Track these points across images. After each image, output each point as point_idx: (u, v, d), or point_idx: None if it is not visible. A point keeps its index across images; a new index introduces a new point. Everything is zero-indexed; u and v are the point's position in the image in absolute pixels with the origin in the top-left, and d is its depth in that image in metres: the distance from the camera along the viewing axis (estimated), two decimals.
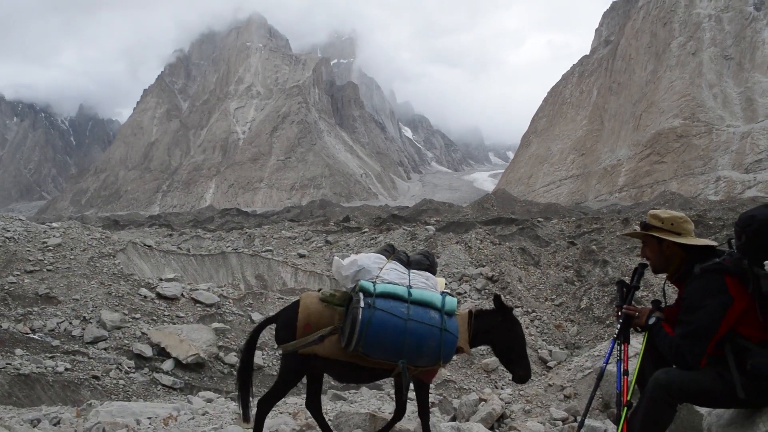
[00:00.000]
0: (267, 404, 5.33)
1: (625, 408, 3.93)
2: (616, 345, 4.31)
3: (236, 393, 5.74)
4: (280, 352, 5.33)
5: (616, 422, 3.95)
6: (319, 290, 5.29)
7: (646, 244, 4.38)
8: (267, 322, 5.60)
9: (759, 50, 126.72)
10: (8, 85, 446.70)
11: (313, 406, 5.61)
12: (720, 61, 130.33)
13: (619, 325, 4.33)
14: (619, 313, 4.35)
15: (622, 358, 4.20)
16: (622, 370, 4.13)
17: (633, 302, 4.44)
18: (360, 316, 4.67)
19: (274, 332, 5.40)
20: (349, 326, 4.76)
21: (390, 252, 5.37)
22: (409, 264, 5.22)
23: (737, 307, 3.80)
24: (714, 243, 4.20)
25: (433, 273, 5.26)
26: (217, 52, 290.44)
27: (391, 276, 5.00)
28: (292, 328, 5.12)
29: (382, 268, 5.06)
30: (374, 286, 4.84)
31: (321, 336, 4.94)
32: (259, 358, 19.86)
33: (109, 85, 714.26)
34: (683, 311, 3.94)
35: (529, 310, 30.12)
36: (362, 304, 4.71)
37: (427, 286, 5.00)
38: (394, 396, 13.66)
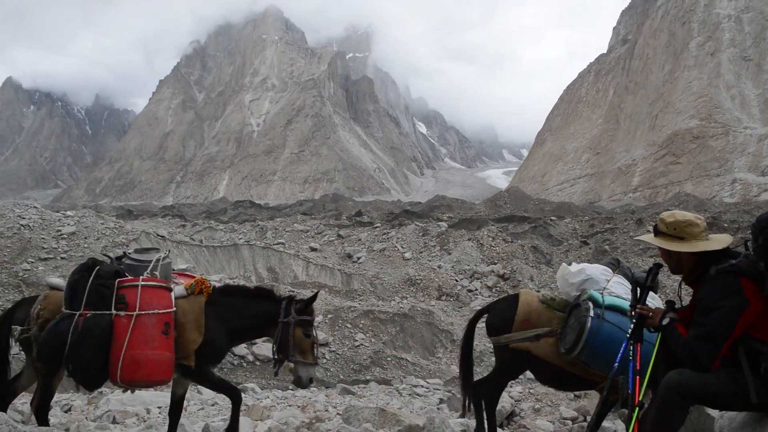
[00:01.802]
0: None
1: (637, 408, 3.91)
2: (628, 345, 4.29)
3: (459, 386, 5.90)
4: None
5: (628, 423, 3.93)
6: (537, 291, 5.32)
7: (659, 248, 4.36)
8: (481, 312, 5.67)
9: None
10: (25, 74, 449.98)
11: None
12: (739, 62, 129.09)
13: (632, 326, 4.31)
14: (633, 313, 4.33)
15: (635, 358, 4.18)
16: (634, 370, 4.11)
17: (646, 303, 4.42)
18: (588, 325, 4.68)
19: (486, 322, 5.46)
20: (575, 333, 4.77)
21: (615, 266, 5.38)
22: (633, 280, 5.20)
23: (753, 310, 3.77)
24: (729, 239, 4.15)
25: (655, 292, 5.21)
26: (233, 44, 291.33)
27: (619, 290, 5.00)
28: (509, 320, 5.17)
29: (609, 281, 5.07)
30: (602, 297, 4.84)
31: (537, 335, 4.97)
32: (269, 350, 19.92)
33: (125, 75, 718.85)
34: (698, 312, 3.91)
35: None
36: (592, 313, 4.72)
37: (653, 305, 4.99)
38: (402, 392, 13.65)
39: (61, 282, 5.21)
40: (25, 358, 5.40)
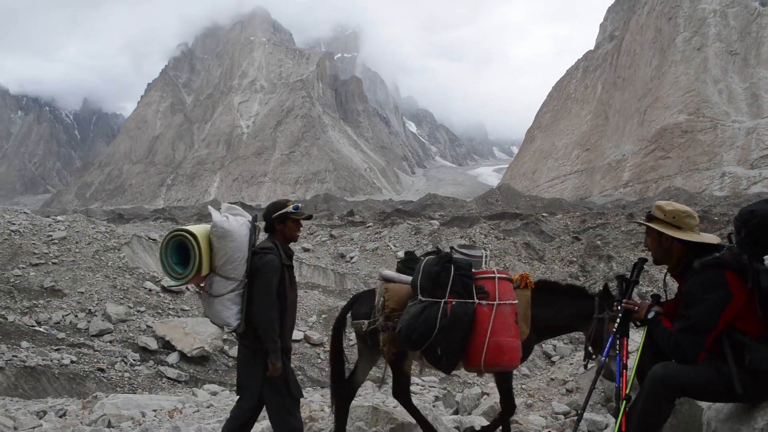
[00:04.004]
0: None
1: (624, 402, 3.95)
2: (615, 339, 4.34)
3: None
4: None
5: (615, 416, 3.98)
6: None
7: (649, 235, 4.39)
8: None
9: (764, 46, 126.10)
10: (13, 79, 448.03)
11: None
12: (725, 56, 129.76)
13: (618, 320, 4.35)
14: (619, 308, 4.37)
15: (622, 352, 4.22)
16: (621, 364, 4.16)
17: (637, 297, 4.46)
18: None
19: None
20: None
21: None
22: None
23: (737, 302, 3.80)
24: (717, 239, 4.20)
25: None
26: (221, 46, 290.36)
27: None
28: None
29: None
30: None
31: None
32: None
33: (114, 79, 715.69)
34: (683, 305, 3.95)
35: None
36: None
37: None
38: None
39: (395, 274, 5.63)
40: (362, 350, 5.84)
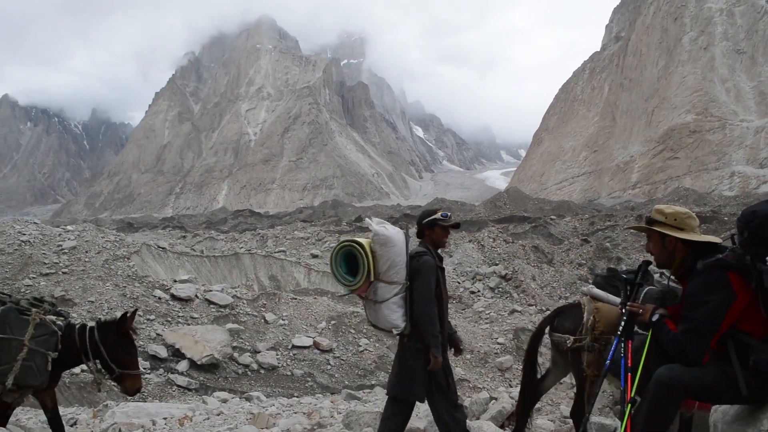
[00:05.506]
0: None
1: (629, 405, 3.95)
2: (619, 342, 4.34)
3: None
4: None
5: (621, 419, 3.99)
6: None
7: (650, 239, 4.40)
8: None
9: None
10: (22, 91, 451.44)
11: None
12: (732, 55, 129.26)
13: (623, 323, 4.36)
14: (623, 311, 4.38)
15: (626, 355, 4.23)
16: (625, 367, 4.17)
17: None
18: None
19: None
20: None
21: None
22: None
23: (740, 304, 3.80)
24: (718, 240, 4.21)
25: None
26: (228, 54, 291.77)
27: None
28: None
29: None
30: None
31: None
32: (273, 358, 19.98)
33: (121, 88, 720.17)
34: (686, 307, 3.94)
35: (543, 308, 30.05)
36: None
37: None
38: None
39: (604, 294, 5.35)
40: (557, 361, 5.75)
